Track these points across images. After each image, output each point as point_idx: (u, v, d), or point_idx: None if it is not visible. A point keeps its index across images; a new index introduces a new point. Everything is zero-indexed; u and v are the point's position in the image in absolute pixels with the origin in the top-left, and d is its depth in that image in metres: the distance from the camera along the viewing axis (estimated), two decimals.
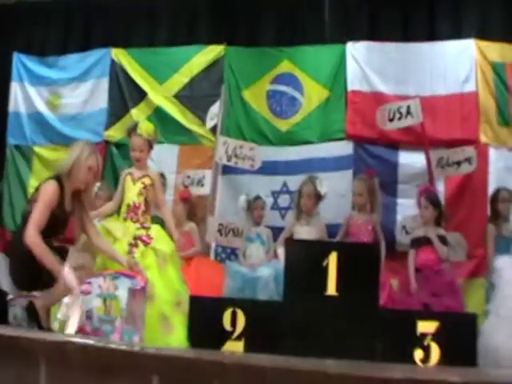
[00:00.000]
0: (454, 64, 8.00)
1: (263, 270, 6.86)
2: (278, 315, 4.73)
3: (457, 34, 8.08)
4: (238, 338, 4.61)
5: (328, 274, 4.65)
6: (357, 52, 8.30)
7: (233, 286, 6.79)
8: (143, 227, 5.76)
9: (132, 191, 5.85)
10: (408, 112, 7.35)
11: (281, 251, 6.62)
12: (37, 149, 9.18)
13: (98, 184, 6.96)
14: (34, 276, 4.82)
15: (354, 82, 8.27)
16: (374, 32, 8.38)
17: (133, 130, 5.98)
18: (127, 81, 9.02)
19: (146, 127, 6.00)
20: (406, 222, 7.59)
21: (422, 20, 8.26)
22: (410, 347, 4.42)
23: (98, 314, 4.64)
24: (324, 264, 4.67)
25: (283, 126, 8.49)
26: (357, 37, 8.34)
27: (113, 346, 2.82)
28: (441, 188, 7.63)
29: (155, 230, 5.80)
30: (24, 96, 9.41)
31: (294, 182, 7.69)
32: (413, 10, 8.32)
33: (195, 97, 8.76)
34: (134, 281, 4.87)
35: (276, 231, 7.41)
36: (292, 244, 5.48)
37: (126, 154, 7.46)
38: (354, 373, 2.23)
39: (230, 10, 8.90)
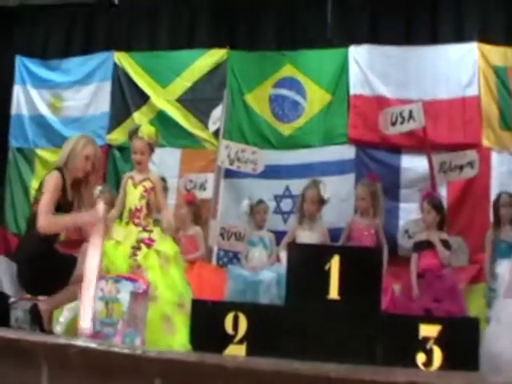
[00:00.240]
0: (457, 68, 8.01)
1: (265, 273, 6.86)
2: (281, 319, 4.71)
3: (459, 37, 8.09)
4: (240, 342, 4.59)
5: (330, 278, 4.63)
6: (359, 56, 8.30)
7: (235, 288, 6.79)
8: (146, 230, 5.75)
9: (133, 195, 5.84)
10: (410, 116, 7.34)
11: (283, 255, 6.61)
12: (39, 151, 9.20)
13: (99, 187, 6.96)
14: (43, 281, 4.85)
15: (356, 86, 8.28)
16: (376, 35, 8.39)
17: (134, 133, 5.97)
18: (129, 84, 9.04)
19: (147, 130, 5.99)
20: (408, 227, 7.59)
21: (425, 23, 8.27)
22: (412, 351, 4.40)
23: (99, 317, 4.63)
24: (326, 268, 4.65)
25: (285, 130, 8.49)
26: (359, 40, 8.35)
27: (115, 349, 2.81)
28: (443, 193, 7.62)
29: (157, 232, 5.79)
30: (26, 99, 9.44)
31: (297, 186, 7.70)
32: (415, 13, 8.33)
33: (198, 100, 8.78)
34: (136, 284, 4.85)
35: (278, 235, 7.40)
36: (294, 248, 5.47)
37: (128, 158, 7.45)
38: (355, 376, 2.22)
39: (230, 13, 8.93)
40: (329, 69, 8.46)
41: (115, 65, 9.11)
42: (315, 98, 8.46)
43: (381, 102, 8.05)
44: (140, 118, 8.78)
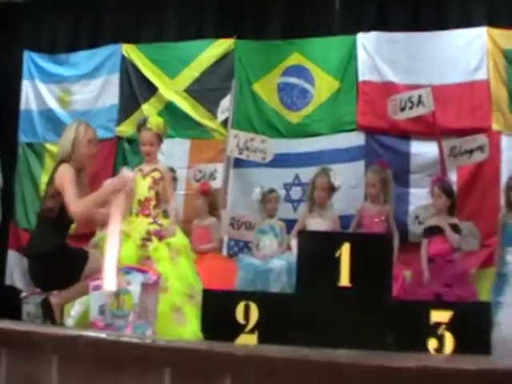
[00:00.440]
0: (465, 52, 7.93)
1: (275, 261, 6.85)
2: (292, 307, 4.71)
3: (467, 22, 8.01)
4: (252, 331, 4.60)
5: (341, 266, 4.62)
6: (367, 42, 8.24)
7: (245, 277, 6.79)
8: (155, 222, 5.76)
9: (142, 186, 5.86)
10: (419, 101, 7.31)
11: (294, 243, 6.61)
12: (49, 146, 9.20)
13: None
14: (54, 277, 4.85)
15: (364, 73, 8.23)
16: (384, 22, 8.32)
17: (142, 124, 6.00)
18: (138, 76, 9.03)
19: (155, 121, 6.02)
20: (418, 212, 7.55)
21: (432, 9, 8.20)
22: (423, 337, 4.39)
23: (110, 310, 4.64)
24: (337, 255, 4.64)
25: (294, 118, 8.47)
26: (366, 27, 8.29)
27: (124, 338, 2.81)
28: (453, 177, 7.58)
29: (168, 224, 5.81)
30: (35, 93, 9.44)
31: (306, 174, 7.69)
32: None
33: (206, 91, 8.76)
34: (147, 275, 4.86)
35: (288, 223, 7.38)
36: (304, 235, 5.46)
37: (137, 150, 7.45)
38: (366, 362, 2.21)
39: (237, 3, 8.88)
40: (337, 56, 8.42)
41: (123, 57, 9.10)
42: (323, 85, 8.42)
43: (389, 88, 8.00)
44: (149, 109, 8.77)
